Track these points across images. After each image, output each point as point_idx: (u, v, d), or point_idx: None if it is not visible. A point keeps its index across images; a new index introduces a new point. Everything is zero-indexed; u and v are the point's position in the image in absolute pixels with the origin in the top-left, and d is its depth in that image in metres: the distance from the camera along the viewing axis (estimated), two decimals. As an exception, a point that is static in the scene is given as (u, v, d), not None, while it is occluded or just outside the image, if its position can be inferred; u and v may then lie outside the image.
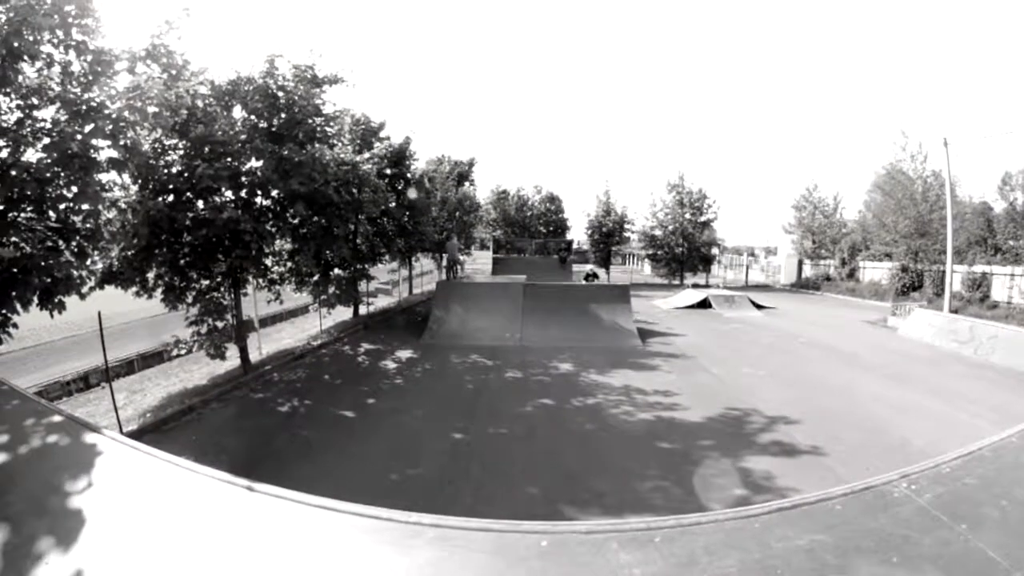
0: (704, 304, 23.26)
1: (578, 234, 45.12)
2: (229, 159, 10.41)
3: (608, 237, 37.97)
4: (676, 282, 35.67)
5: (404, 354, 14.03)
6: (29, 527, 3.32)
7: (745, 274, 40.15)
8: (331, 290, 15.31)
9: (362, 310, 19.37)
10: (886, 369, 13.07)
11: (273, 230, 11.68)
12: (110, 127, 6.71)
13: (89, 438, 4.33)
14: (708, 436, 8.20)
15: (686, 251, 36.21)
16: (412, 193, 19.51)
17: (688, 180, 37.47)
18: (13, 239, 6.15)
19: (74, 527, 3.33)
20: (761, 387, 11.07)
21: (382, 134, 19.63)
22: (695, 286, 30.54)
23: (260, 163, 10.92)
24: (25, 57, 6.10)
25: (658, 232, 37.22)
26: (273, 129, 11.59)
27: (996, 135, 29.67)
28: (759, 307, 23.26)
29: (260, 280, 12.43)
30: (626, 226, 38.58)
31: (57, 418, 4.56)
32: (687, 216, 36.74)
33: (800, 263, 38.78)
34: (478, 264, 37.65)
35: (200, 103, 9.45)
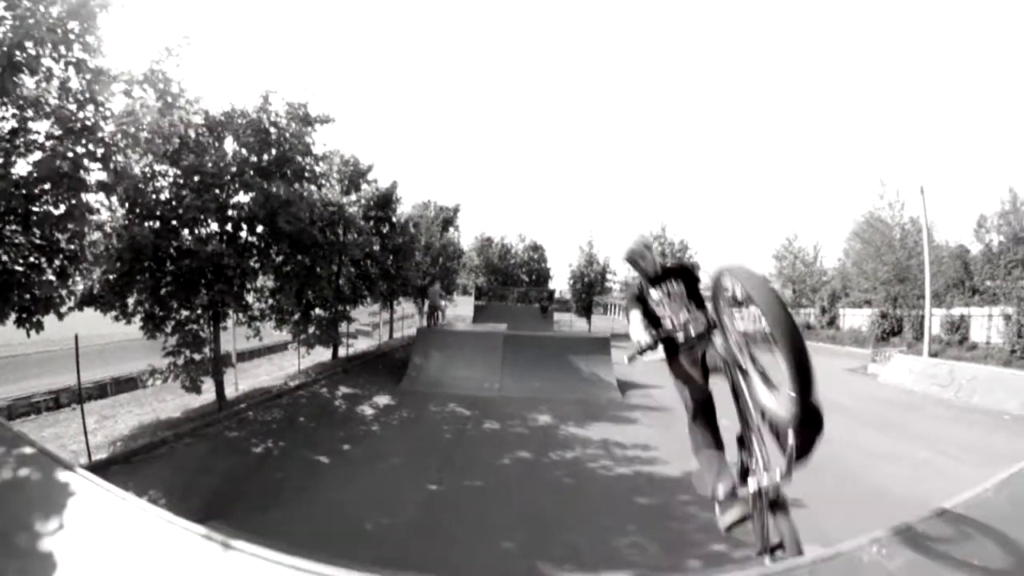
0: (685, 355, 23.36)
1: (560, 283, 45.53)
2: (218, 191, 10.43)
3: (590, 287, 38.30)
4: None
5: (382, 400, 13.81)
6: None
7: (726, 324, 40.45)
8: (311, 330, 15.20)
9: (341, 352, 19.16)
10: (867, 416, 13.10)
11: (256, 266, 11.65)
12: (102, 150, 6.71)
13: (62, 475, 4.16)
14: (687, 491, 8.05)
15: (667, 301, 36.54)
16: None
17: (670, 231, 38.29)
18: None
19: (44, 570, 3.22)
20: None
21: (370, 176, 19.88)
22: (675, 337, 30.72)
23: (248, 197, 10.95)
24: (25, 70, 6.14)
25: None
26: (263, 164, 11.61)
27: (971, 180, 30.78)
28: (739, 356, 23.40)
29: (240, 315, 12.27)
30: (608, 276, 39.01)
31: (28, 450, 4.39)
32: (668, 266, 37.21)
33: None
34: (460, 310, 37.60)
35: (192, 133, 9.48)
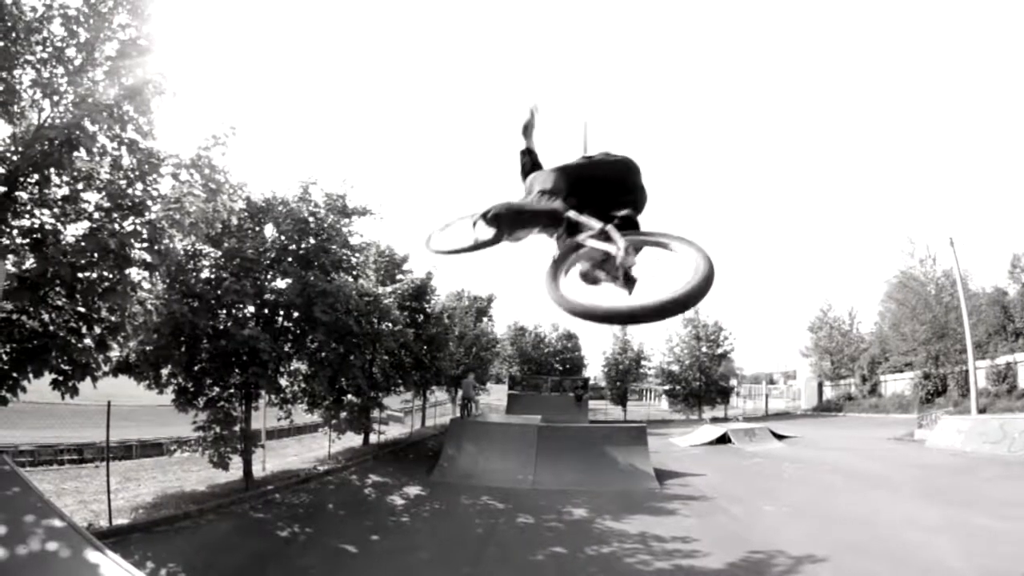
0: (723, 439, 22.53)
1: (594, 370, 44.95)
2: (256, 275, 10.89)
3: (625, 374, 37.79)
4: (694, 416, 34.73)
5: (412, 490, 13.56)
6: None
7: (765, 403, 39.16)
8: (343, 415, 15.24)
9: (372, 438, 18.98)
10: (916, 487, 12.40)
11: (291, 352, 11.90)
12: (147, 231, 7.20)
13: (91, 556, 4.14)
14: (730, 584, 7.66)
15: (703, 385, 35.70)
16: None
17: (703, 313, 37.86)
18: (39, 314, 6.44)
19: None
20: (784, 525, 10.40)
21: (405, 267, 20.52)
22: (714, 420, 29.70)
23: (285, 284, 11.36)
24: (81, 147, 6.69)
25: (675, 367, 36.99)
26: (301, 253, 12.07)
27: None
28: (780, 437, 22.45)
29: (273, 397, 12.44)
30: (643, 362, 38.51)
31: (58, 523, 4.41)
32: (703, 349, 36.67)
33: (820, 385, 37.97)
34: (493, 398, 37.29)
35: (235, 219, 10.01)
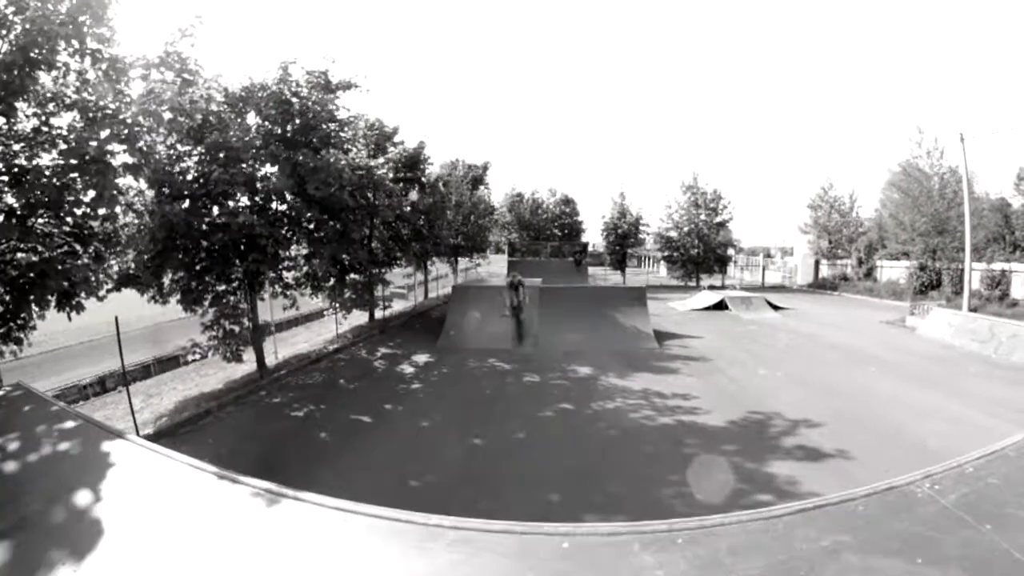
0: (721, 306, 23.04)
1: (593, 236, 45.03)
2: (244, 165, 10.46)
3: (623, 239, 37.75)
4: (692, 284, 35.30)
5: (421, 358, 13.95)
6: (46, 527, 3.33)
7: (762, 275, 39.71)
8: (347, 294, 15.37)
9: (378, 314, 19.42)
10: (905, 370, 12.78)
11: (289, 235, 11.73)
12: (125, 132, 6.78)
13: (106, 442, 4.31)
14: (730, 440, 8.05)
15: (702, 252, 35.84)
16: (413, 195, 18.87)
17: (703, 181, 37.09)
18: (32, 244, 6.26)
19: (94, 528, 3.31)
20: (780, 390, 10.86)
21: (396, 139, 19.75)
22: (711, 288, 30.22)
23: (275, 169, 10.97)
24: (42, 66, 6.20)
25: (673, 234, 36.87)
26: (288, 135, 11.65)
27: (1012, 130, 29.22)
28: (776, 308, 22.98)
29: (276, 286, 12.44)
30: (641, 228, 38.38)
31: (71, 423, 4.57)
32: (702, 217, 36.35)
33: (817, 263, 38.32)
34: (493, 267, 37.63)
35: (214, 108, 9.49)
